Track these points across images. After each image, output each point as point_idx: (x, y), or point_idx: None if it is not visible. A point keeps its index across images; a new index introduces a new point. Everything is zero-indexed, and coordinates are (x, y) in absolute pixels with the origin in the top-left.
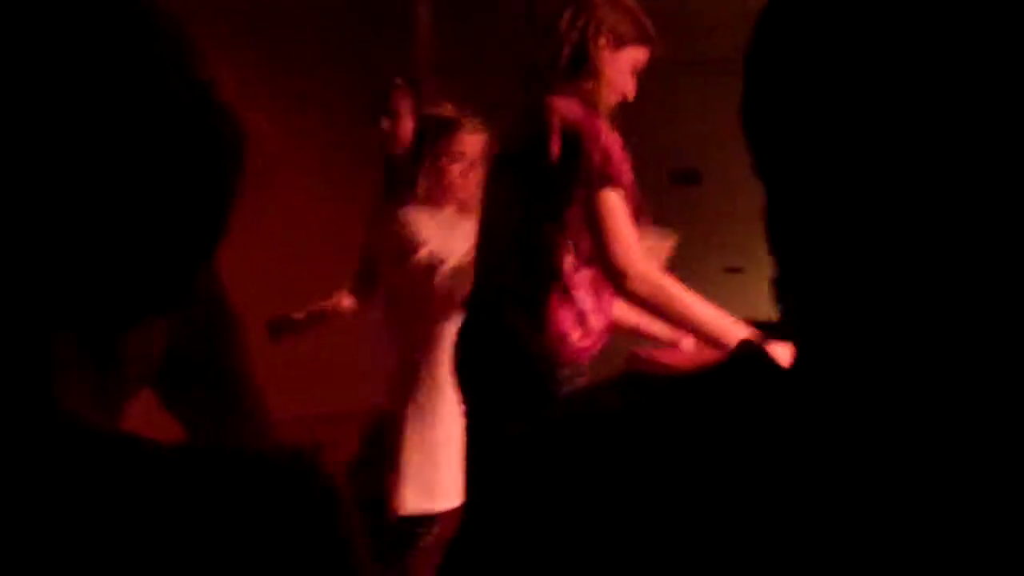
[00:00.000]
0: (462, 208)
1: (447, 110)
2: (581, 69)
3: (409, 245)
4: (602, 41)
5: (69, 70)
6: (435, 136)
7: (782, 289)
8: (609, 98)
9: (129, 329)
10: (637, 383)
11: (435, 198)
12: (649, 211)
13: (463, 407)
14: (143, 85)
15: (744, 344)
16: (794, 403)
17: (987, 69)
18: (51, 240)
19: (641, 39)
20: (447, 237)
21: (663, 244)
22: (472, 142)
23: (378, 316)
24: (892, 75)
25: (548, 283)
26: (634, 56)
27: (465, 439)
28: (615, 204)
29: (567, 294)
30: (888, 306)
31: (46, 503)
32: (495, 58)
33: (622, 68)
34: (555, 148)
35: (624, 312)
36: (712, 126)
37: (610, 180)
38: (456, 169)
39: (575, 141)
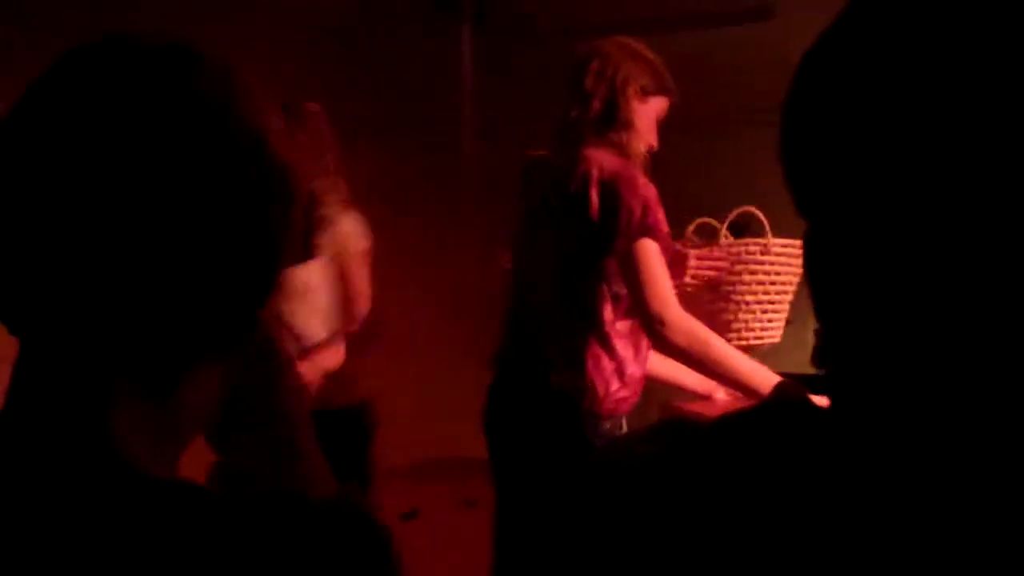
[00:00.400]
0: None
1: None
2: (613, 121)
3: None
4: (630, 92)
5: (129, 136)
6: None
7: (822, 331)
8: (639, 148)
9: (187, 373)
10: (674, 430)
11: None
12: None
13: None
14: (198, 141)
15: (781, 388)
16: (832, 446)
17: (1015, 118)
18: (113, 285)
19: (663, 89)
20: None
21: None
22: None
23: None
24: (926, 119)
25: (588, 334)
26: (658, 106)
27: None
28: (653, 253)
29: (607, 345)
30: (928, 346)
31: (107, 548)
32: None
33: (649, 118)
34: (595, 199)
35: (658, 364)
36: (750, 179)
37: (649, 230)
38: None
39: (614, 192)
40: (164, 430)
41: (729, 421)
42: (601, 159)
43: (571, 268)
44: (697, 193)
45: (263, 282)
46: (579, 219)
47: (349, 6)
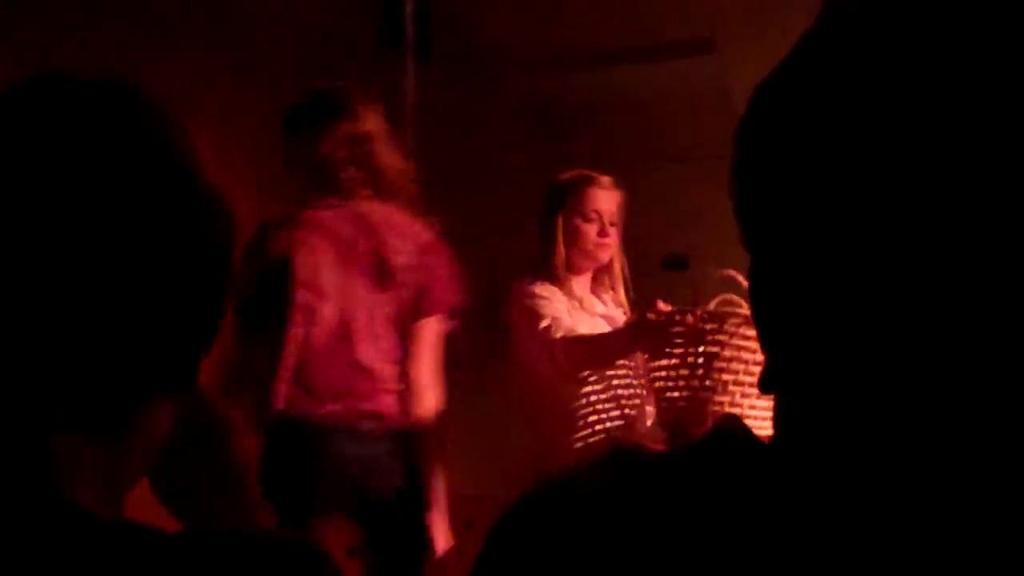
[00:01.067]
0: (601, 273)
1: (571, 172)
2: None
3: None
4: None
5: (70, 171)
6: (562, 196)
7: (767, 359)
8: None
9: (135, 412)
10: (620, 460)
11: (573, 265)
12: (642, 295)
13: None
14: (138, 176)
15: (726, 420)
16: (774, 478)
17: (976, 150)
18: (54, 322)
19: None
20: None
21: None
22: (607, 198)
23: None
24: (879, 152)
25: None
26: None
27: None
28: None
29: None
30: (873, 379)
31: None
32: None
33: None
34: None
35: None
36: (701, 215)
37: None
38: (593, 230)
39: None
40: (110, 469)
41: (671, 456)
42: None
43: None
44: (645, 225)
45: (209, 316)
46: None
47: (287, 47)
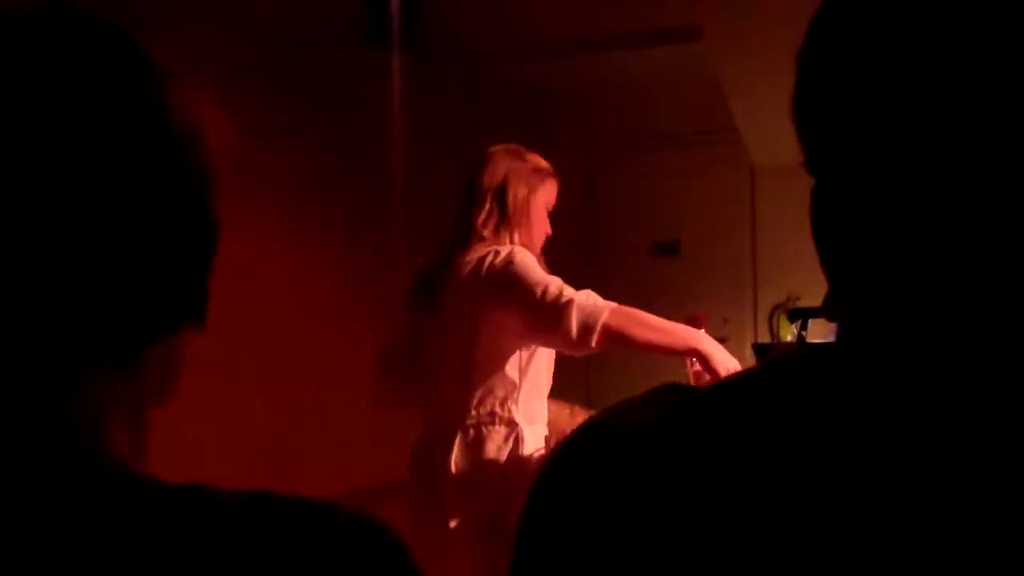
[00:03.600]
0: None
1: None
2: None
3: None
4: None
5: (51, 103)
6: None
7: (830, 284)
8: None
9: (149, 345)
10: (672, 395)
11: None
12: (631, 281)
13: None
14: (117, 106)
15: (779, 351)
16: (844, 397)
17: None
18: (58, 272)
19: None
20: None
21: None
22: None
23: None
24: (944, 68)
25: None
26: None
27: None
28: None
29: None
30: (937, 294)
31: (106, 554)
32: None
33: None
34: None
35: None
36: (690, 201)
37: None
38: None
39: None
40: (135, 405)
41: (731, 383)
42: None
43: None
44: (630, 213)
45: (199, 235)
46: None
47: (273, 42)
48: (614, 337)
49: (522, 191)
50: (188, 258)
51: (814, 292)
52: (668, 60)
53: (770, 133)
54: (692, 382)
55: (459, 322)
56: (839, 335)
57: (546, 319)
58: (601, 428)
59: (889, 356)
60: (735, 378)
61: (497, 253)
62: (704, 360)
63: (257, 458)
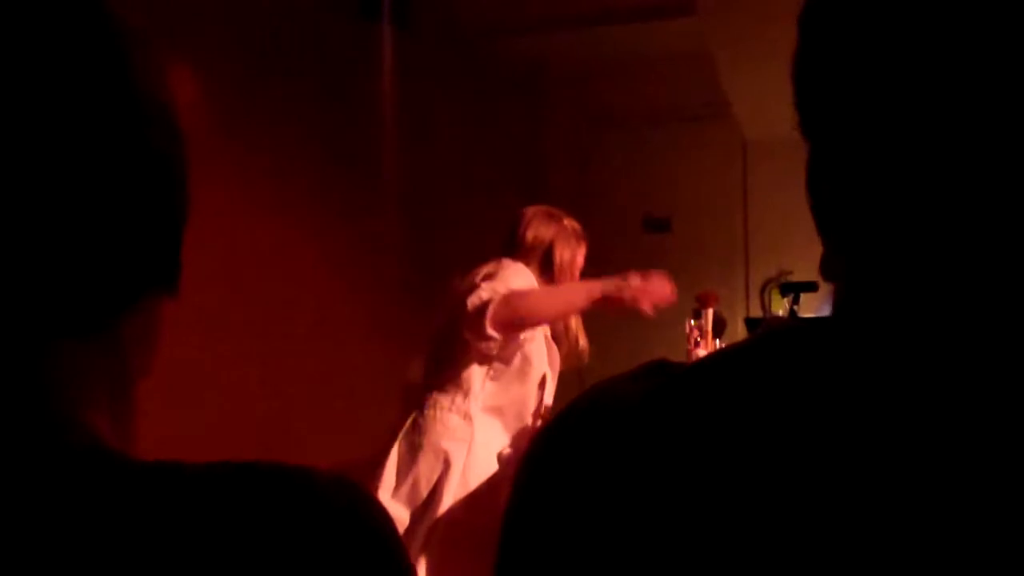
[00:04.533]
0: None
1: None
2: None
3: None
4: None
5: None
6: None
7: (825, 247)
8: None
9: (124, 314)
10: (661, 369)
11: None
12: (624, 257)
13: None
14: (78, 82)
15: (768, 323)
16: (840, 364)
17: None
18: (20, 242)
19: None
20: None
21: None
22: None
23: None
24: (940, 31)
25: None
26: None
27: None
28: None
29: None
30: (932, 257)
31: (70, 529)
32: None
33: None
34: None
35: None
36: (682, 177)
37: None
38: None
39: None
40: (114, 376)
41: (722, 357)
42: None
43: None
44: (623, 189)
45: (170, 201)
46: None
47: (268, 18)
48: (506, 322)
49: (568, 255)
50: (157, 225)
51: (806, 267)
52: (661, 35)
53: (763, 106)
54: (692, 345)
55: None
56: (835, 303)
57: (460, 311)
58: (590, 405)
59: (885, 326)
60: (726, 351)
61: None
62: (615, 302)
63: (251, 431)
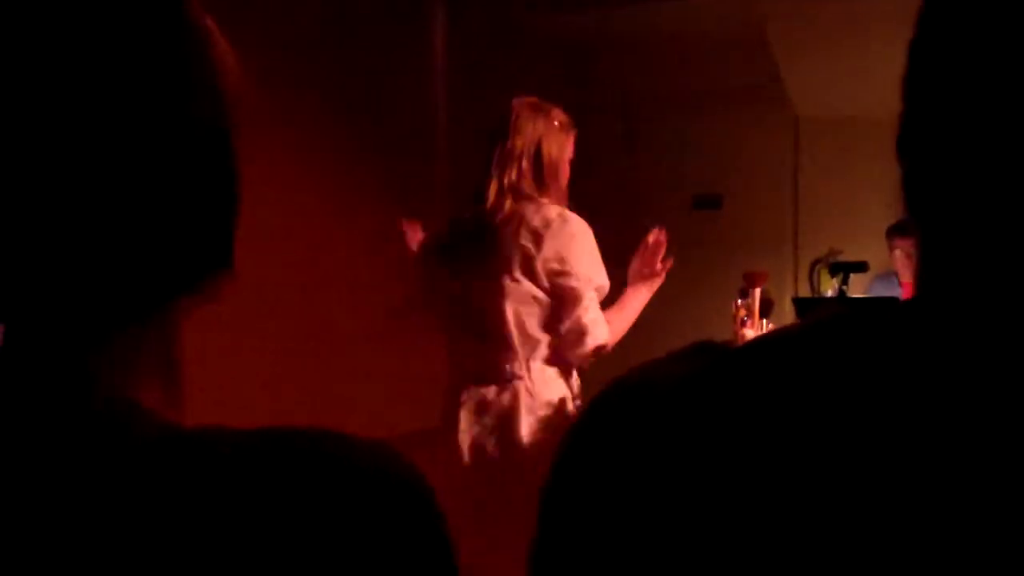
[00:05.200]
0: None
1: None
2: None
3: None
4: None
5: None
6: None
7: (920, 241)
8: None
9: (179, 298)
10: (712, 350)
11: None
12: (673, 235)
13: None
14: (132, 55)
15: (828, 306)
16: (892, 358)
17: None
18: (81, 229)
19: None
20: None
21: None
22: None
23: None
24: None
25: None
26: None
27: None
28: None
29: None
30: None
31: (114, 498)
32: None
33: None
34: None
35: None
36: (733, 154)
37: None
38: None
39: None
40: (171, 361)
41: (774, 339)
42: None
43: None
44: (672, 167)
45: (224, 185)
46: None
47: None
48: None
49: (555, 151)
50: (215, 207)
51: (856, 247)
52: (710, 10)
53: (816, 83)
54: (738, 325)
55: (500, 275)
56: (917, 292)
57: (571, 336)
58: (633, 385)
59: (972, 318)
60: (779, 333)
61: (564, 220)
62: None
63: (288, 403)
